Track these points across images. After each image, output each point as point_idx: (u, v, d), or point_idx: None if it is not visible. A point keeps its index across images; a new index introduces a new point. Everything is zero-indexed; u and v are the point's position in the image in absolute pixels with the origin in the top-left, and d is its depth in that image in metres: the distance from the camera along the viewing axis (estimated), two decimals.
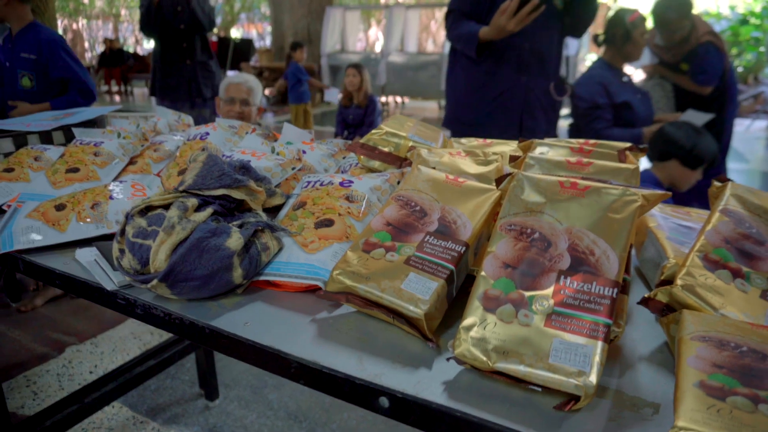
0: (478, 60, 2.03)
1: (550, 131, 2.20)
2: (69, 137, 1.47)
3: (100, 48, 15.39)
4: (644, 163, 2.41)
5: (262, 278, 0.75)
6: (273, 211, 0.91)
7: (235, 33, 17.87)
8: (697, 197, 2.14)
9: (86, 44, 18.54)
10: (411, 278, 0.63)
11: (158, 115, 1.45)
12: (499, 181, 0.70)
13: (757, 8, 11.53)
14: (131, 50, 15.18)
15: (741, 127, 7.97)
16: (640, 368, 0.59)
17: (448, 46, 2.29)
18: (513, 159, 0.86)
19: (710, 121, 2.50)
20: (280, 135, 1.21)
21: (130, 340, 2.39)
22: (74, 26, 18.55)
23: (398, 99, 11.44)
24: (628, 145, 0.86)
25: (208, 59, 3.48)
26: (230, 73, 11.16)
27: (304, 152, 1.11)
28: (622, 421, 0.50)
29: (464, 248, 0.65)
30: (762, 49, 11.10)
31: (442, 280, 0.62)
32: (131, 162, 1.18)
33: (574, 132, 2.58)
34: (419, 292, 0.61)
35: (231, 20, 17.79)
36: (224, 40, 11.98)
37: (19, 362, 2.20)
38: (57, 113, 1.64)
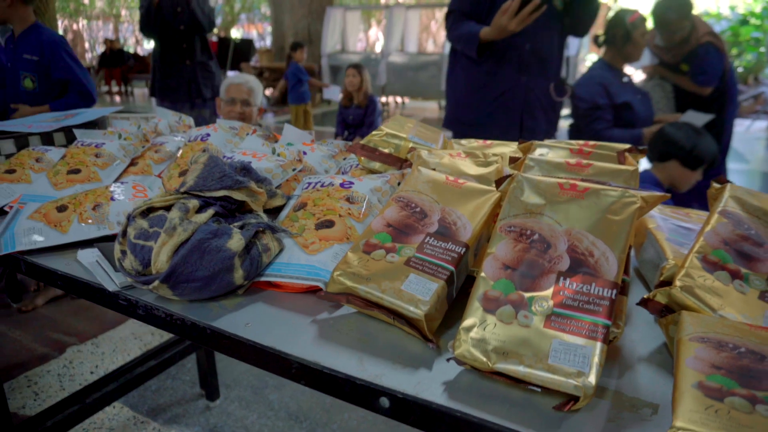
0: (478, 60, 2.03)
1: (551, 131, 2.21)
2: (70, 138, 1.48)
3: (101, 48, 15.40)
4: (644, 164, 2.41)
5: (263, 279, 0.76)
6: (274, 212, 0.91)
7: (236, 33, 17.88)
8: (697, 198, 2.14)
9: (86, 45, 18.55)
10: (411, 279, 0.63)
11: (159, 116, 1.46)
12: (498, 183, 0.70)
13: (758, 9, 11.53)
14: (131, 51, 15.18)
15: (741, 127, 7.97)
16: (639, 369, 0.59)
17: (448, 46, 2.29)
18: (513, 160, 0.86)
19: (710, 122, 2.51)
20: (281, 136, 1.22)
21: (130, 340, 2.39)
22: (74, 27, 18.56)
23: (398, 99, 11.44)
24: (627, 146, 0.87)
25: (208, 60, 3.48)
26: (230, 74, 11.17)
27: (304, 153, 1.11)
28: (621, 421, 0.51)
29: (464, 249, 0.66)
30: (762, 49, 11.10)
31: (442, 281, 0.62)
32: (132, 163, 1.19)
33: (574, 132, 2.58)
34: (419, 293, 0.61)
35: (231, 20, 17.80)
36: (224, 41, 11.98)
37: (20, 362, 2.20)
38: (58, 114, 1.64)
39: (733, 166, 5.64)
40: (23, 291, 2.76)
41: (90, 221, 0.91)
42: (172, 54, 3.37)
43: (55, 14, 4.90)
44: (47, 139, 1.44)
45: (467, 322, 0.56)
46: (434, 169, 0.81)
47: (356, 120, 4.90)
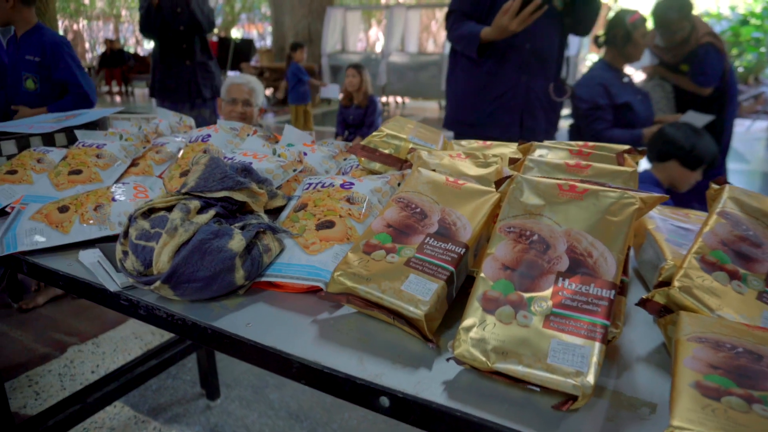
0: (478, 61, 2.03)
1: (551, 132, 2.21)
2: (71, 139, 1.48)
3: (101, 49, 15.42)
4: (644, 164, 2.41)
5: (263, 279, 0.76)
6: (274, 212, 0.92)
7: (236, 33, 17.89)
8: (697, 198, 2.15)
9: (87, 45, 18.56)
10: (411, 279, 0.63)
11: (160, 117, 1.46)
12: (498, 184, 0.71)
13: (758, 9, 11.52)
14: (132, 51, 15.20)
15: (741, 127, 7.98)
16: (638, 369, 0.60)
17: (448, 46, 2.29)
18: (512, 161, 0.87)
19: (710, 122, 2.51)
20: (282, 137, 1.22)
21: (131, 340, 2.40)
22: (75, 27, 18.57)
23: (399, 99, 11.45)
24: (626, 147, 0.87)
25: (208, 60, 3.48)
26: (231, 74, 11.18)
27: (305, 154, 1.11)
28: (619, 420, 0.51)
29: (464, 250, 0.66)
30: (762, 49, 11.10)
31: (442, 282, 0.63)
32: (133, 164, 1.19)
33: (574, 132, 2.59)
34: (419, 293, 0.61)
35: (231, 20, 17.81)
36: (225, 41, 12.00)
37: (21, 362, 2.21)
38: (59, 115, 1.65)
39: (733, 167, 5.64)
40: (24, 291, 2.76)
41: (91, 222, 0.92)
42: (171, 54, 3.38)
43: (55, 14, 4.91)
44: (48, 139, 1.45)
45: (467, 322, 0.56)
46: (434, 170, 0.82)
47: (356, 120, 4.90)
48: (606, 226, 0.60)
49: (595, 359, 0.51)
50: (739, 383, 0.45)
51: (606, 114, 2.39)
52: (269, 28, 15.08)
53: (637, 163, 0.88)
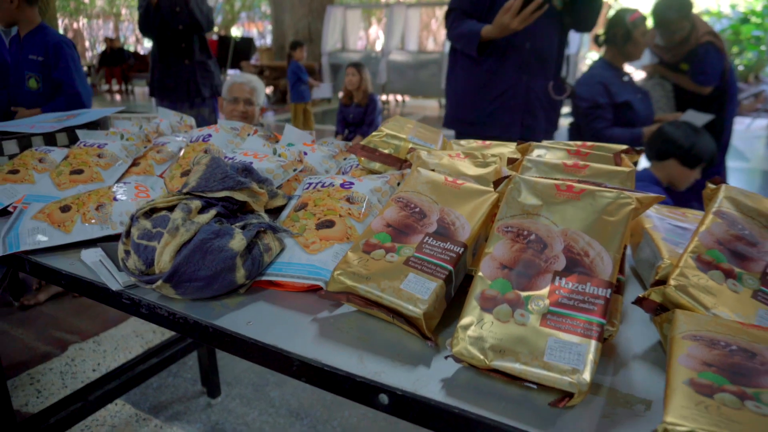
0: (478, 59, 2.04)
1: (551, 130, 2.21)
2: (73, 139, 1.49)
3: (101, 47, 15.42)
4: (643, 162, 2.42)
5: (264, 278, 0.77)
6: (275, 212, 0.92)
7: (236, 32, 17.88)
8: (696, 196, 2.15)
9: (87, 43, 18.55)
10: (410, 278, 0.64)
11: (161, 117, 1.47)
12: (496, 184, 0.71)
13: (758, 7, 11.51)
14: (132, 49, 15.21)
15: (741, 125, 7.97)
16: (634, 366, 0.60)
17: (448, 44, 2.30)
18: (511, 161, 0.87)
19: (710, 121, 2.52)
20: (282, 137, 1.23)
21: (132, 338, 2.41)
22: (75, 25, 18.57)
23: (399, 97, 11.45)
24: (623, 147, 0.88)
25: (207, 59, 3.49)
26: (231, 72, 11.17)
27: (305, 154, 1.12)
28: (615, 417, 0.52)
29: (462, 249, 0.67)
30: (763, 47, 11.09)
31: (441, 281, 0.63)
32: (134, 163, 1.20)
33: (574, 131, 2.59)
34: (418, 292, 0.62)
35: (231, 19, 17.80)
36: (225, 39, 12.00)
37: (23, 361, 2.22)
38: (60, 115, 1.66)
39: (733, 165, 5.64)
40: (25, 290, 2.77)
41: (93, 221, 0.93)
42: (170, 53, 3.38)
43: (55, 13, 4.91)
44: (50, 139, 1.46)
45: (465, 321, 0.57)
46: (433, 170, 0.82)
47: (356, 118, 4.91)
48: (602, 225, 0.61)
49: (591, 357, 0.52)
50: (732, 380, 0.46)
51: (606, 113, 2.40)
52: (269, 27, 15.08)
53: (635, 163, 0.89)
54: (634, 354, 0.63)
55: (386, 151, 1.01)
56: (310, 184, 0.92)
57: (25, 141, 1.41)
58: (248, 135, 1.26)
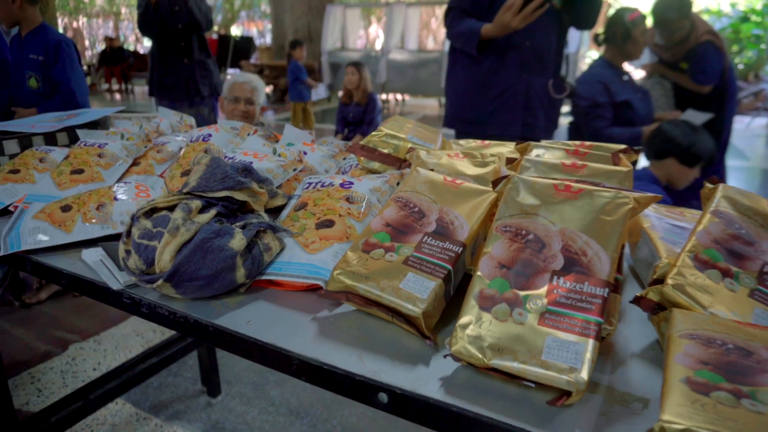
0: (478, 58, 2.04)
1: (551, 129, 2.22)
2: (73, 139, 1.49)
3: (101, 46, 15.42)
4: (643, 161, 2.42)
5: (264, 278, 0.77)
6: (275, 211, 0.93)
7: (236, 31, 17.86)
8: (696, 195, 2.15)
9: (86, 42, 18.53)
10: (409, 278, 0.64)
11: (161, 116, 1.47)
12: (495, 183, 0.72)
13: (758, 5, 11.50)
14: (132, 48, 15.21)
15: (741, 124, 7.97)
16: (632, 365, 0.61)
17: (448, 43, 2.30)
18: (510, 161, 0.88)
19: (710, 120, 2.52)
20: (282, 136, 1.23)
21: (132, 337, 2.41)
22: (74, 24, 18.55)
23: (399, 96, 11.45)
24: (622, 147, 0.88)
25: (206, 58, 3.49)
26: (231, 71, 11.17)
27: (305, 153, 1.12)
28: (612, 415, 0.52)
29: (461, 249, 0.67)
30: (763, 46, 11.08)
31: (440, 280, 0.64)
32: (135, 163, 1.20)
33: (574, 130, 2.59)
34: (417, 292, 0.62)
35: (231, 18, 17.79)
36: (224, 38, 11.99)
37: (23, 360, 2.22)
38: (61, 114, 1.66)
39: (732, 163, 5.64)
40: (25, 289, 2.77)
41: (94, 221, 0.93)
42: (169, 53, 3.38)
43: (54, 12, 4.91)
44: (50, 139, 1.46)
45: (463, 320, 0.58)
46: (432, 170, 0.83)
47: (356, 117, 4.91)
48: (600, 225, 0.61)
49: (588, 356, 0.52)
50: (728, 379, 0.47)
51: (606, 112, 2.40)
52: (269, 26, 15.07)
53: (633, 163, 0.89)
54: (631, 353, 0.63)
55: (385, 151, 1.02)
56: (310, 183, 0.92)
57: (25, 141, 1.41)
58: (248, 135, 1.26)
